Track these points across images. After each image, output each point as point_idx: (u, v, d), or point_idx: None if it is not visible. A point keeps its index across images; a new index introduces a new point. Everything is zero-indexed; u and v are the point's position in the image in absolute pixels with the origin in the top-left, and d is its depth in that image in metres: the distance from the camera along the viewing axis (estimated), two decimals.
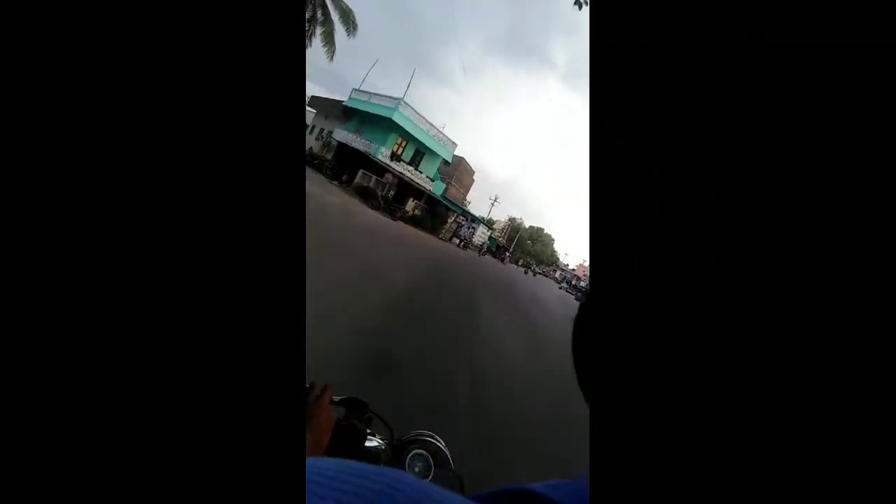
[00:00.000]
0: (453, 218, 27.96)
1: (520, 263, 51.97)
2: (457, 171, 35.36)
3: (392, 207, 19.00)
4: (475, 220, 34.19)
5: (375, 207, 18.34)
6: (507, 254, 37.35)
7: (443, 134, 23.93)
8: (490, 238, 38.48)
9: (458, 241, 27.21)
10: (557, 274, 71.15)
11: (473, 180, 41.86)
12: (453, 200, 32.75)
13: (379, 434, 0.65)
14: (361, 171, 20.92)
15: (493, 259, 33.14)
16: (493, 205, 49.06)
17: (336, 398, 0.62)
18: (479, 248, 30.02)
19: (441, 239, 24.79)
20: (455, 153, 27.33)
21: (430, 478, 0.60)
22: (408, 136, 22.35)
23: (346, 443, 0.56)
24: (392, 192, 21.11)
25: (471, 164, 38.22)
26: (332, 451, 0.54)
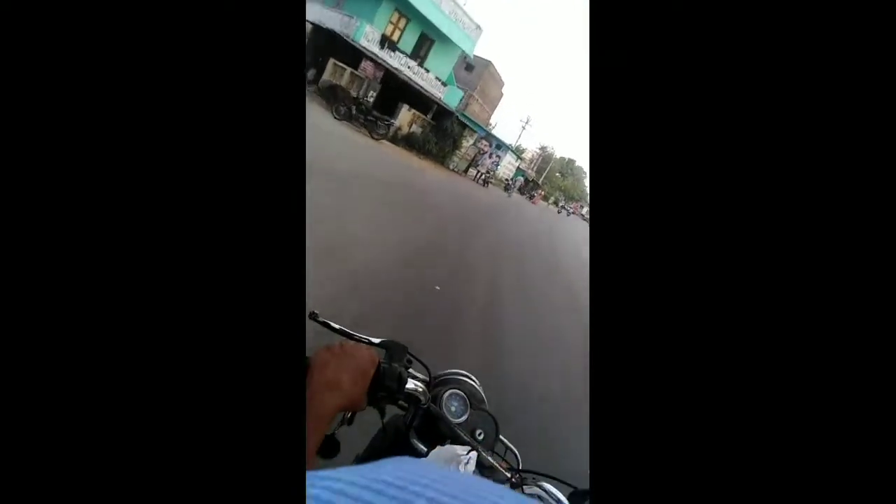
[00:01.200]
0: (472, 141, 20.60)
1: (551, 202, 44.79)
2: (481, 80, 27.06)
3: (371, 119, 11.80)
4: (501, 146, 26.64)
5: (344, 117, 11.32)
6: (538, 193, 30.03)
7: (464, 13, 15.87)
8: (518, 170, 30.99)
9: (476, 174, 19.88)
10: (584, 211, 64.51)
11: (502, 94, 33.30)
12: (474, 118, 25.08)
13: (418, 373, 0.65)
14: (332, 61, 13.57)
15: (521, 198, 26.09)
16: (524, 129, 40.71)
17: (375, 340, 0.63)
18: (507, 184, 22.83)
19: (453, 171, 17.74)
20: (478, 54, 19.28)
21: (466, 416, 0.62)
22: (409, 11, 14.55)
23: (387, 386, 0.57)
24: (373, 94, 13.80)
25: (499, 73, 29.69)
26: (373, 391, 0.55)
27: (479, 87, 27.36)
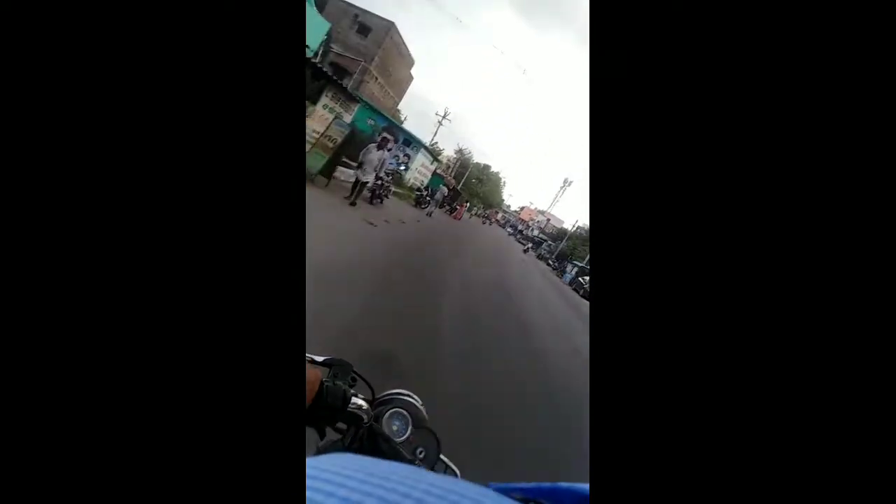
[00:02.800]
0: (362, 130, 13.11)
1: (474, 212, 38.88)
2: (381, 47, 19.65)
3: None
4: (411, 142, 19.50)
5: None
6: (460, 206, 23.20)
7: None
8: (434, 175, 24.05)
9: (367, 184, 8.14)
10: (500, 216, 61.03)
11: (411, 76, 26.19)
12: (368, 100, 17.46)
13: (362, 394, 0.67)
14: None
15: (442, 216, 19.11)
16: (440, 124, 34.12)
17: (318, 358, 0.64)
18: (422, 197, 15.46)
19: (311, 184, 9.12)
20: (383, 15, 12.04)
21: (407, 434, 0.63)
22: None
23: (329, 405, 0.58)
24: None
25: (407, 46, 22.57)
26: (313, 411, 0.56)
27: (378, 59, 19.90)
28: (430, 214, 14.99)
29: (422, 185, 18.37)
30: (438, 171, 26.52)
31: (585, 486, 0.22)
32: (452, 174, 39.23)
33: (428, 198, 15.64)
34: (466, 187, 47.53)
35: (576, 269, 26.73)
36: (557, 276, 25.92)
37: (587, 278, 21.71)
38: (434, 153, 26.38)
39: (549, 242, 43.49)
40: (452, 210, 22.77)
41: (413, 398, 0.69)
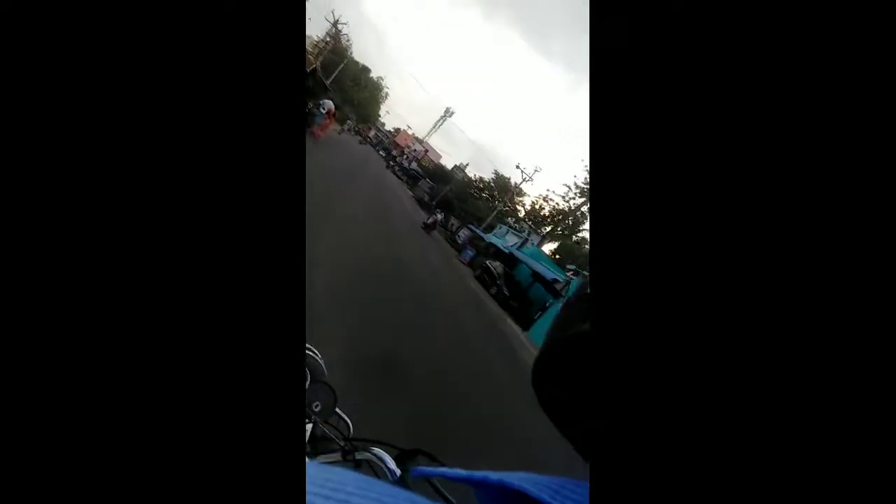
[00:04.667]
0: None
1: (346, 127, 28.98)
2: None
3: None
4: None
5: None
6: (328, 116, 13.46)
7: None
8: None
9: None
10: (372, 133, 51.37)
11: None
12: None
13: None
14: None
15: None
16: None
17: None
18: None
19: None
20: None
21: (305, 388, 0.62)
22: None
23: None
24: None
25: None
26: None
27: None
28: None
29: None
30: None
31: (514, 478, 0.22)
32: (318, 60, 27.00)
33: None
34: (339, 89, 36.37)
35: (470, 236, 20.30)
36: (455, 249, 18.99)
37: (498, 265, 15.57)
38: None
39: (429, 182, 36.08)
40: (315, 129, 13.35)
41: (312, 351, 0.69)
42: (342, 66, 29.49)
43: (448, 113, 54.90)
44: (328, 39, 32.09)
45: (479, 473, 0.23)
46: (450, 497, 0.63)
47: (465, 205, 30.15)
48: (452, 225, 24.14)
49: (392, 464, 0.65)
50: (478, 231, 21.92)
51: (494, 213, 30.44)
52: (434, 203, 27.98)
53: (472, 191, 37.00)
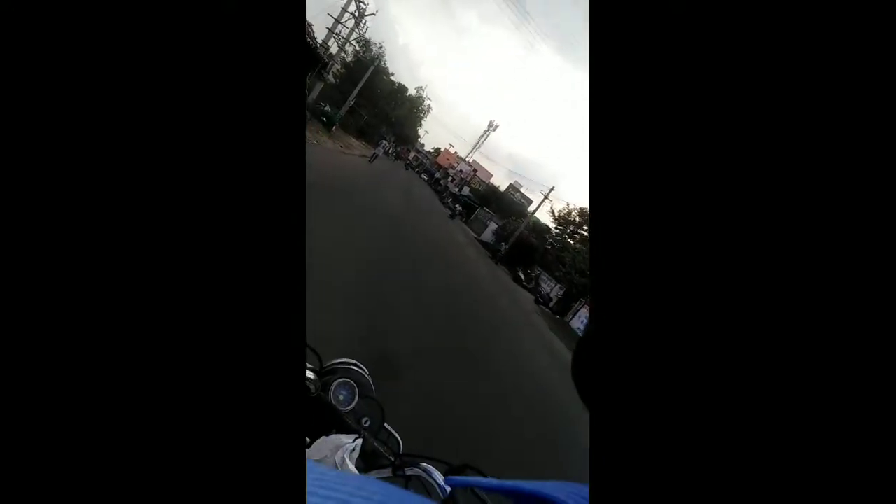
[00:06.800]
0: None
1: (388, 147, 23.38)
2: None
3: None
4: None
5: None
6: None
7: None
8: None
9: None
10: (412, 156, 45.98)
11: None
12: None
13: (309, 363, 0.68)
14: None
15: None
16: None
17: None
18: None
19: None
20: None
21: (353, 405, 0.65)
22: None
23: None
24: None
25: None
26: None
27: None
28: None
29: None
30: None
31: (547, 487, 0.22)
32: (338, 70, 20.73)
33: None
34: (372, 105, 30.89)
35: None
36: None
37: None
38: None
39: (487, 212, 29.19)
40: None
41: (360, 367, 0.69)
42: (366, 76, 23.18)
43: (492, 127, 48.79)
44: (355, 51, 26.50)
45: (510, 483, 0.23)
46: None
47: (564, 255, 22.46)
48: (533, 278, 17.44)
49: (441, 479, 0.63)
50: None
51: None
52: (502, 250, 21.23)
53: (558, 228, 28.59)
